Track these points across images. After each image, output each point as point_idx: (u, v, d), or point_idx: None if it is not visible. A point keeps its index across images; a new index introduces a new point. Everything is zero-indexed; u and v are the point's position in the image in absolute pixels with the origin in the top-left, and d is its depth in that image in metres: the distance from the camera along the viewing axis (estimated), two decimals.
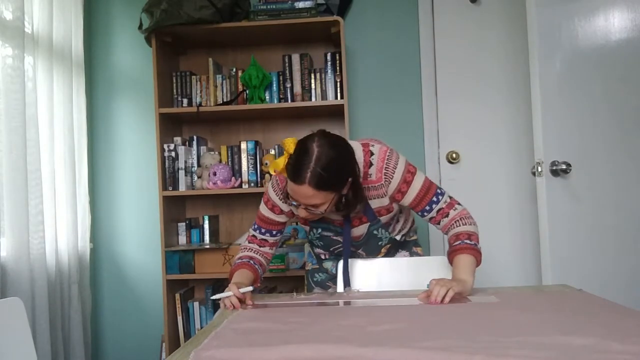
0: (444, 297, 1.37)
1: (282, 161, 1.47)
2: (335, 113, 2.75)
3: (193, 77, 2.82)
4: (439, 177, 2.93)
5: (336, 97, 2.72)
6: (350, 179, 1.49)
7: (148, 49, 2.73)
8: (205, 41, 2.84)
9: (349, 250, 1.71)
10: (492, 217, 2.92)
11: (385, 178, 1.57)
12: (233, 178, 2.69)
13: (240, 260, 1.65)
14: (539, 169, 2.11)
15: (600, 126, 2.24)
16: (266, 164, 2.73)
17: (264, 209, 1.69)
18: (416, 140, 2.94)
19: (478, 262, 1.56)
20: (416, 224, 1.96)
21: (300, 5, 2.64)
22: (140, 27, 2.62)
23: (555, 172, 2.13)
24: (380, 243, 1.75)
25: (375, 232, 1.70)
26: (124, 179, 3.00)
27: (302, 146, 1.45)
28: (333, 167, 1.42)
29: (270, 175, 2.58)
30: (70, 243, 2.53)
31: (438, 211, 1.63)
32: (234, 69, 2.80)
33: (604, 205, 2.23)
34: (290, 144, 1.48)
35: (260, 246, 1.70)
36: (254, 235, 1.71)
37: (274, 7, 2.64)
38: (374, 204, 1.63)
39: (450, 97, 2.94)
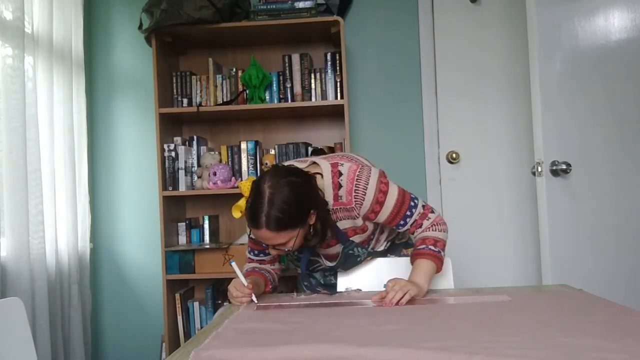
0: (399, 300, 1.39)
1: (242, 202, 1.44)
2: (335, 113, 2.75)
3: (193, 77, 2.82)
4: (439, 177, 2.93)
5: (336, 97, 2.72)
6: (312, 212, 1.45)
7: (148, 49, 2.73)
8: (205, 41, 2.84)
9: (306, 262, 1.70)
10: (492, 217, 2.92)
11: (355, 201, 1.53)
12: (233, 178, 2.69)
13: (246, 270, 1.66)
14: (539, 169, 2.11)
15: (600, 126, 2.24)
16: (266, 164, 2.73)
17: (250, 232, 1.65)
18: (416, 140, 2.94)
19: (438, 269, 1.56)
20: None
21: (300, 5, 2.64)
22: (140, 27, 2.62)
23: (555, 172, 2.13)
24: (358, 259, 1.71)
25: (351, 251, 1.66)
26: (124, 179, 3.00)
27: (255, 189, 1.41)
28: (289, 206, 1.38)
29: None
30: (70, 243, 2.53)
31: (412, 224, 1.61)
32: (234, 69, 2.80)
33: (604, 205, 2.23)
34: (246, 187, 1.43)
35: (260, 264, 1.69)
36: (249, 258, 1.70)
37: (274, 7, 2.64)
38: (346, 224, 1.59)
39: (450, 97, 2.94)
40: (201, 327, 2.71)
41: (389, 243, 1.80)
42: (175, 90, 2.81)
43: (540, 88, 2.11)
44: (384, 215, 1.57)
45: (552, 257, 2.11)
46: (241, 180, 2.72)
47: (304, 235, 1.48)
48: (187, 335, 2.72)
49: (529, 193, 2.83)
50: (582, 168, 2.17)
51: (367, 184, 1.52)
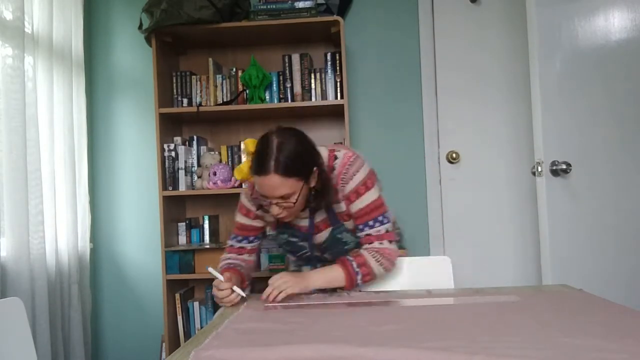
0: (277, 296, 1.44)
1: (245, 165, 1.47)
2: (335, 113, 2.75)
3: (193, 77, 2.82)
4: (439, 177, 2.93)
5: (336, 97, 2.72)
6: (316, 169, 1.49)
7: (148, 49, 2.73)
8: (205, 41, 2.84)
9: (315, 251, 1.71)
10: (492, 217, 2.92)
11: (341, 183, 1.56)
12: (233, 178, 2.69)
13: (221, 268, 1.66)
14: (539, 169, 2.11)
15: (600, 126, 2.24)
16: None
17: (239, 217, 1.69)
18: (416, 140, 2.94)
19: (345, 287, 1.56)
20: (401, 227, 1.96)
21: (300, 5, 2.64)
22: (140, 27, 2.62)
23: (555, 172, 2.13)
24: (346, 247, 1.69)
25: (339, 235, 1.66)
26: (124, 179, 3.00)
27: (263, 140, 1.46)
28: (296, 154, 1.43)
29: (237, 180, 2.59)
30: (70, 243, 2.53)
31: (366, 235, 1.60)
32: (234, 69, 2.80)
33: (604, 205, 2.23)
34: (250, 145, 1.47)
35: (238, 254, 1.71)
36: (231, 245, 1.72)
37: (274, 7, 2.64)
38: (335, 208, 1.62)
39: (450, 97, 2.94)
40: (201, 327, 2.71)
41: None
42: (175, 90, 2.81)
43: (540, 88, 2.11)
44: (354, 207, 1.58)
45: (552, 257, 2.11)
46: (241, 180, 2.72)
47: (307, 196, 1.51)
48: (187, 335, 2.72)
49: (529, 193, 2.83)
50: (582, 168, 2.17)
51: (356, 172, 1.56)
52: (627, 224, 2.25)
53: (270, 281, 1.49)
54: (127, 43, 3.02)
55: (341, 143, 2.74)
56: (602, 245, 2.21)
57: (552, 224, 2.11)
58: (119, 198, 3.00)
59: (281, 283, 1.47)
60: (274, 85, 2.76)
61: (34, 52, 2.29)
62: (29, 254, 2.15)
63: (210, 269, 1.53)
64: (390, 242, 1.61)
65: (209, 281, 2.81)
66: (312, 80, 2.75)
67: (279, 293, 1.46)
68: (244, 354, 0.97)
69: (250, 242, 1.71)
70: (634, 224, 2.25)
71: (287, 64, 2.76)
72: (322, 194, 1.54)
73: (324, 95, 2.74)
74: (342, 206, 1.60)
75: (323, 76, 2.74)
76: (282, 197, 1.45)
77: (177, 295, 2.71)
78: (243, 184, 1.66)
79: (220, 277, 1.51)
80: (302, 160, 1.45)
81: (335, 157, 1.57)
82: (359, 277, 1.56)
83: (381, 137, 2.95)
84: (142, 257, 2.98)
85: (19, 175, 2.09)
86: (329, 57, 2.72)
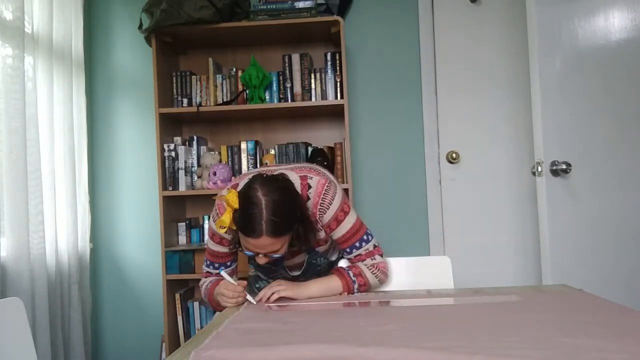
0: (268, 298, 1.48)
1: (227, 217, 1.41)
2: (335, 113, 2.75)
3: (193, 77, 2.82)
4: (439, 177, 2.93)
5: (336, 97, 2.72)
6: (299, 215, 1.48)
7: (148, 49, 2.73)
8: (205, 41, 2.84)
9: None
10: (492, 217, 2.92)
11: (319, 213, 1.55)
12: (233, 178, 2.69)
13: (211, 283, 1.64)
14: (539, 169, 2.11)
15: (600, 126, 2.24)
16: (266, 163, 2.73)
17: (212, 245, 1.65)
18: (416, 140, 2.94)
19: (340, 292, 1.56)
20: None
21: (300, 5, 2.64)
22: (140, 27, 2.62)
23: (555, 172, 2.13)
24: (318, 268, 1.73)
25: (314, 261, 1.69)
26: (124, 179, 3.00)
27: (248, 199, 1.40)
28: (284, 211, 1.40)
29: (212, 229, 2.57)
30: (70, 243, 2.53)
31: (356, 256, 1.61)
32: (234, 69, 2.80)
33: (604, 205, 2.23)
34: (232, 199, 1.41)
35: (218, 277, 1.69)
36: (208, 272, 1.69)
37: (274, 7, 2.64)
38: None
39: (450, 97, 2.94)
40: (201, 327, 2.71)
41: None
42: (175, 90, 2.81)
43: (540, 88, 2.11)
44: (337, 234, 1.59)
45: (552, 257, 2.11)
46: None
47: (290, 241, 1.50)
48: (187, 335, 2.72)
49: (529, 193, 2.83)
50: (582, 168, 2.17)
51: (333, 200, 1.55)
52: (627, 224, 2.25)
53: (268, 285, 1.53)
54: (127, 43, 3.02)
55: (340, 144, 2.75)
56: (602, 245, 2.21)
57: (552, 224, 2.11)
58: (119, 198, 3.00)
59: (276, 286, 1.51)
60: (274, 85, 2.76)
61: (34, 52, 2.29)
62: (29, 254, 2.14)
63: (224, 273, 1.57)
64: (381, 255, 1.63)
65: None
66: (312, 80, 2.75)
67: (272, 294, 1.49)
68: (244, 354, 0.97)
69: (227, 267, 1.68)
70: (634, 224, 2.25)
71: (287, 64, 2.76)
72: (305, 235, 1.52)
73: (324, 95, 2.74)
74: (321, 234, 1.61)
75: (323, 76, 2.74)
76: (271, 251, 1.45)
77: (177, 295, 2.71)
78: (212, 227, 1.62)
79: (232, 280, 1.53)
80: (289, 216, 1.43)
81: (309, 186, 1.55)
82: (356, 286, 1.57)
83: (381, 137, 2.95)
84: (142, 257, 2.98)
85: (19, 175, 2.09)
86: (329, 57, 2.72)
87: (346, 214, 1.58)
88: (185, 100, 2.81)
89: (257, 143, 2.77)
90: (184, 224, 2.81)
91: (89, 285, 2.72)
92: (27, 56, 2.22)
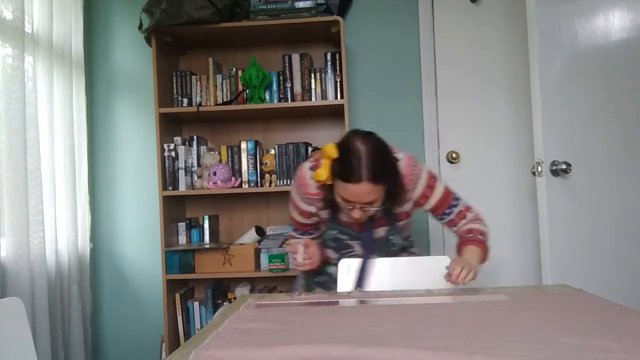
0: (465, 277, 1.42)
1: (324, 170, 1.48)
2: (335, 113, 2.75)
3: (193, 77, 2.82)
4: (439, 177, 2.93)
5: (336, 97, 2.72)
6: (394, 168, 1.55)
7: (148, 49, 2.73)
8: (205, 41, 2.84)
9: (370, 250, 1.72)
10: (492, 217, 2.89)
11: (410, 185, 1.62)
12: (233, 178, 2.69)
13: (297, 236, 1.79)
14: (539, 169, 2.11)
15: (600, 126, 2.24)
16: (266, 163, 2.73)
17: (296, 215, 1.75)
18: (416, 140, 2.94)
19: (484, 258, 1.64)
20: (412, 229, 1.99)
21: (300, 5, 2.64)
22: (140, 27, 2.62)
23: (555, 172, 2.13)
24: (393, 248, 1.76)
25: (391, 237, 1.73)
26: (124, 179, 3.00)
27: (347, 148, 1.48)
28: (382, 159, 1.48)
29: (268, 175, 2.59)
30: (70, 243, 2.53)
31: (457, 214, 1.70)
32: (234, 69, 2.80)
33: (604, 205, 2.23)
34: (332, 150, 1.49)
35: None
36: (293, 236, 1.82)
37: (274, 7, 2.64)
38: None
39: (450, 97, 2.94)
40: (201, 327, 2.71)
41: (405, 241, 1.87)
42: (175, 90, 2.81)
43: (540, 88, 2.11)
44: (433, 199, 1.67)
45: (552, 257, 2.11)
46: (241, 179, 2.72)
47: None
48: (187, 335, 2.72)
49: (529, 193, 2.83)
50: (582, 168, 2.17)
51: (422, 171, 1.65)
52: (627, 224, 2.25)
53: (452, 265, 1.45)
54: (127, 43, 3.02)
55: None
56: (602, 245, 2.21)
57: (552, 224, 2.11)
58: (119, 198, 3.00)
59: (466, 263, 1.45)
60: (274, 85, 2.76)
61: (34, 52, 2.29)
62: (29, 254, 2.15)
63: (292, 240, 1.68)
64: (473, 208, 1.75)
65: (209, 281, 2.81)
66: (312, 80, 2.75)
67: (468, 273, 1.42)
68: (244, 354, 0.97)
69: (310, 234, 1.78)
70: (634, 224, 2.25)
71: (287, 64, 2.76)
72: (395, 196, 1.58)
73: (324, 95, 2.74)
74: (406, 206, 1.67)
75: (323, 76, 2.74)
76: (368, 203, 1.48)
77: (177, 295, 2.71)
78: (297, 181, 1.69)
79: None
80: (388, 164, 1.51)
81: (397, 159, 1.62)
82: (488, 244, 1.68)
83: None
84: (142, 257, 2.98)
85: (19, 175, 2.09)
86: (329, 57, 2.72)
87: (435, 179, 1.68)
88: (185, 100, 2.81)
89: (257, 143, 2.77)
90: (184, 224, 2.81)
91: (89, 285, 2.72)
92: (27, 56, 2.22)
